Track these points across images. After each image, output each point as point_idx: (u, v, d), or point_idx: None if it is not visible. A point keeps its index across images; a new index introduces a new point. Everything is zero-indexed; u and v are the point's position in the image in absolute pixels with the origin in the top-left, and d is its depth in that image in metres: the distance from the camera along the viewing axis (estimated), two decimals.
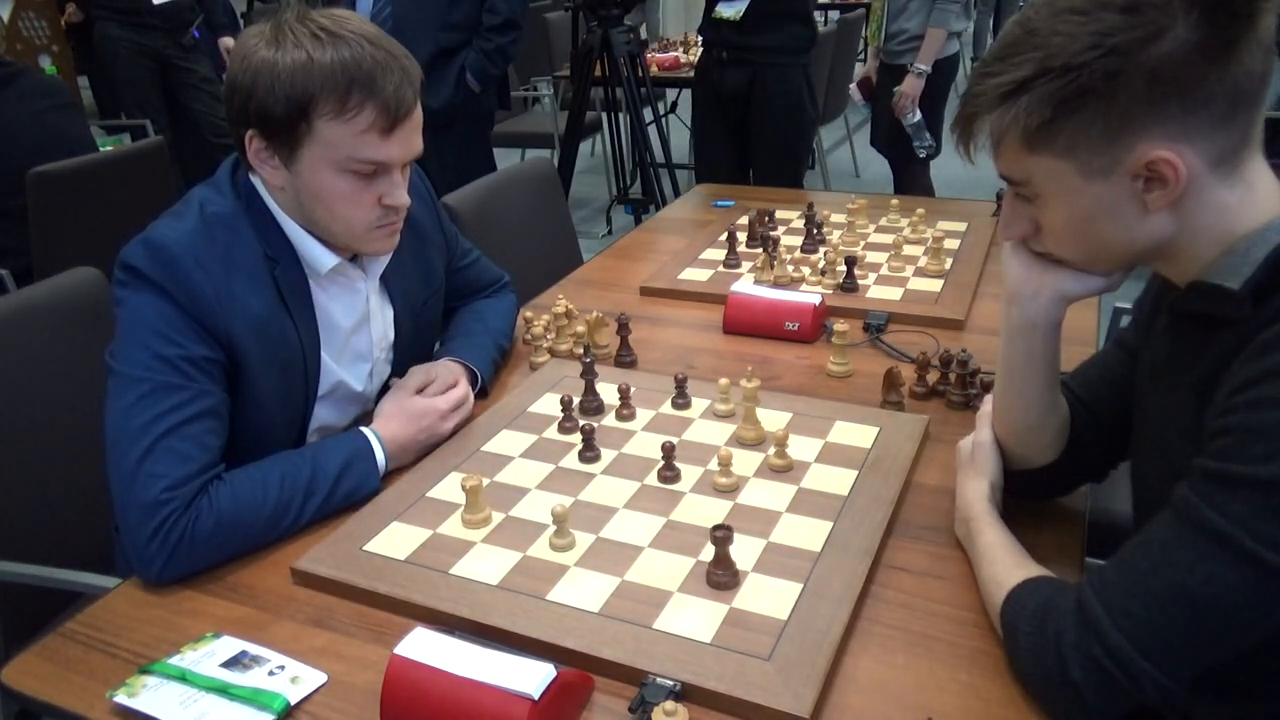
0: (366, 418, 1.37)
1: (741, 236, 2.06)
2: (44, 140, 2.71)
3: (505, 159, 4.47)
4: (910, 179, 3.80)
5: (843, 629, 0.96)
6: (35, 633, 1.26)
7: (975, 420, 1.17)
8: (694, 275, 1.95)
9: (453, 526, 1.17)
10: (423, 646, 0.91)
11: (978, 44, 7.78)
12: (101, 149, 2.94)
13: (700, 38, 3.55)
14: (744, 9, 3.16)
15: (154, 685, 0.94)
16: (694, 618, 0.99)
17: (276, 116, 1.16)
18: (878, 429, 1.32)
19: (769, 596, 1.02)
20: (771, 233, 2.05)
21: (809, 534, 1.11)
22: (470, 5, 3.17)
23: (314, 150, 1.18)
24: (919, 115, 3.58)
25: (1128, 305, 1.57)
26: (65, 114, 2.90)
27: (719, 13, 3.23)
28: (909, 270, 1.89)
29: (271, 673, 0.96)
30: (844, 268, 1.82)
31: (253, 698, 0.92)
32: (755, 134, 3.34)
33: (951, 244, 1.99)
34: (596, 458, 1.29)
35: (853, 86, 4.00)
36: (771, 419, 1.35)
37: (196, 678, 0.94)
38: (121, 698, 0.92)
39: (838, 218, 2.18)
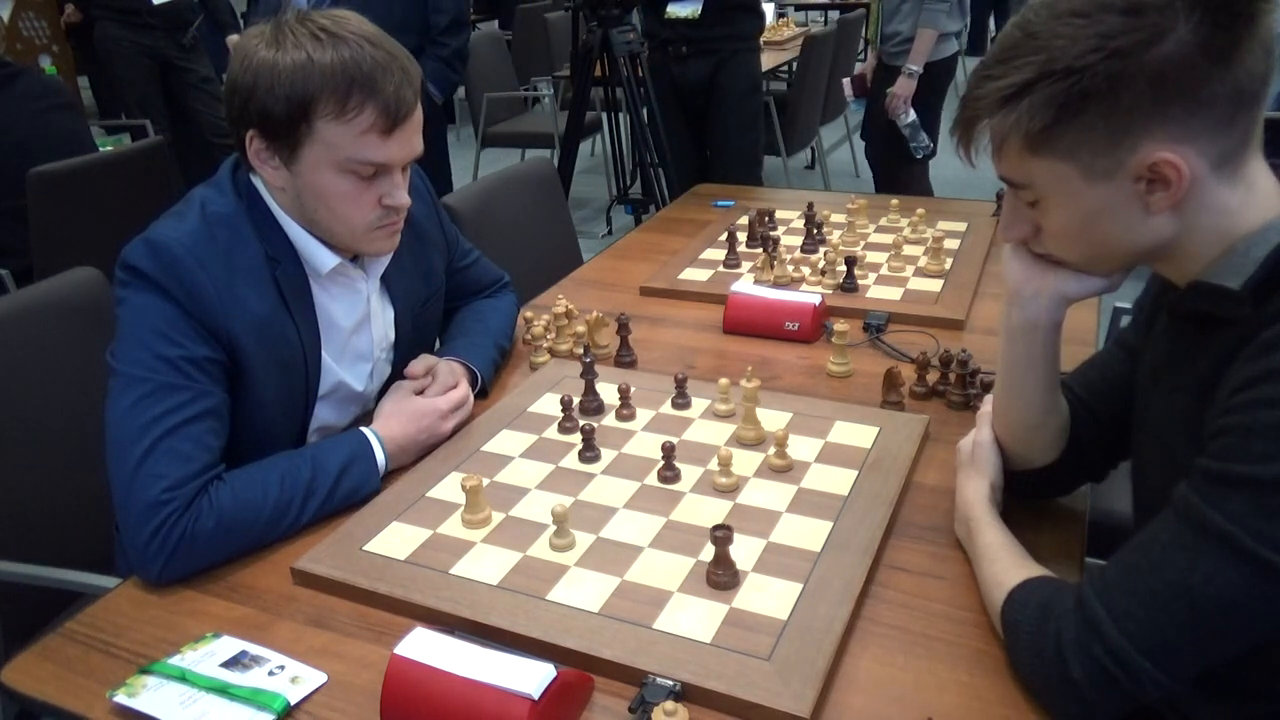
0: (366, 418, 1.37)
1: (741, 236, 2.06)
2: (44, 140, 2.72)
3: (505, 159, 4.48)
4: (909, 180, 3.80)
5: (843, 629, 0.96)
6: (35, 633, 1.26)
7: (975, 420, 1.17)
8: (694, 275, 1.95)
9: (453, 526, 1.17)
10: (422, 646, 0.91)
11: (976, 43, 7.76)
12: (101, 149, 2.94)
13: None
14: (700, 8, 3.22)
15: (154, 685, 0.94)
16: (694, 618, 0.99)
17: (277, 117, 1.16)
18: (878, 429, 1.32)
19: (769, 596, 1.02)
20: (771, 233, 2.06)
21: (809, 534, 1.11)
22: (407, 5, 3.08)
23: (314, 151, 1.18)
24: (913, 115, 3.57)
25: (1128, 305, 1.57)
26: (65, 114, 2.90)
27: (673, 13, 3.28)
28: (909, 270, 1.89)
29: (271, 673, 0.96)
30: (844, 268, 1.82)
31: (253, 698, 0.92)
32: (718, 120, 3.39)
33: (951, 244, 1.99)
34: (596, 458, 1.29)
35: (845, 80, 3.99)
36: (771, 419, 1.35)
37: (196, 678, 0.94)
38: (121, 698, 0.92)
39: (838, 218, 2.18)
